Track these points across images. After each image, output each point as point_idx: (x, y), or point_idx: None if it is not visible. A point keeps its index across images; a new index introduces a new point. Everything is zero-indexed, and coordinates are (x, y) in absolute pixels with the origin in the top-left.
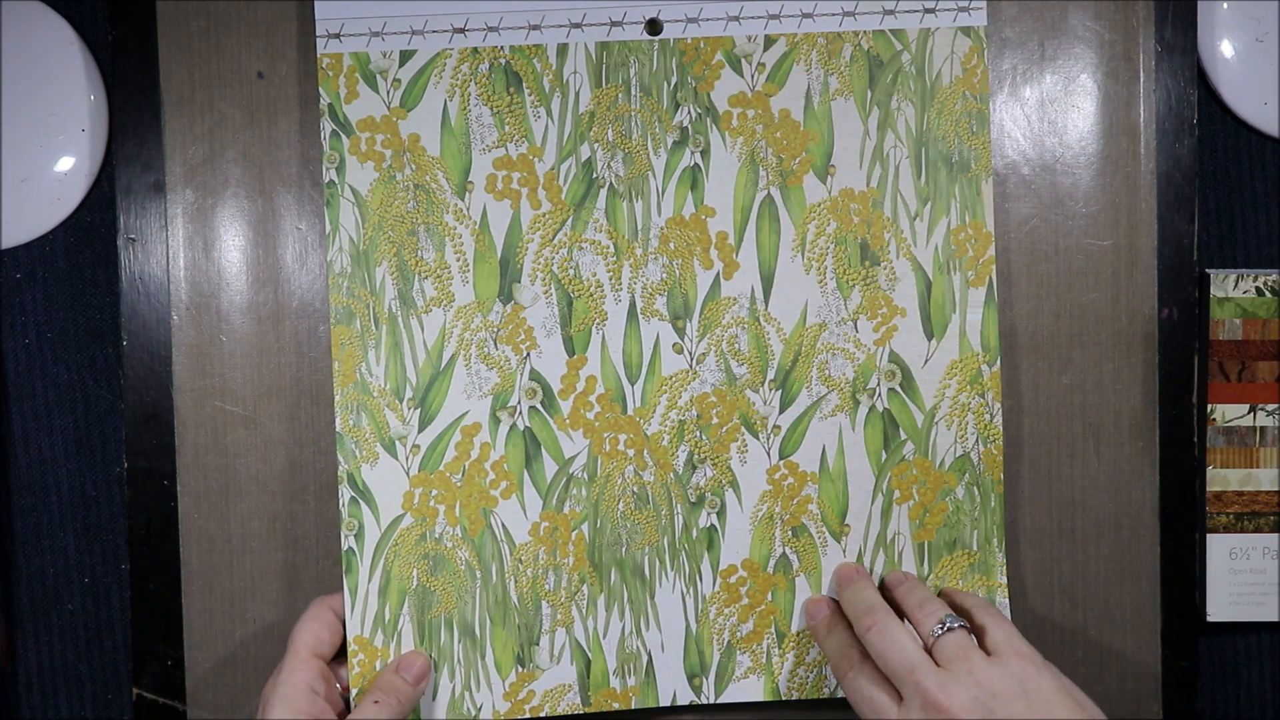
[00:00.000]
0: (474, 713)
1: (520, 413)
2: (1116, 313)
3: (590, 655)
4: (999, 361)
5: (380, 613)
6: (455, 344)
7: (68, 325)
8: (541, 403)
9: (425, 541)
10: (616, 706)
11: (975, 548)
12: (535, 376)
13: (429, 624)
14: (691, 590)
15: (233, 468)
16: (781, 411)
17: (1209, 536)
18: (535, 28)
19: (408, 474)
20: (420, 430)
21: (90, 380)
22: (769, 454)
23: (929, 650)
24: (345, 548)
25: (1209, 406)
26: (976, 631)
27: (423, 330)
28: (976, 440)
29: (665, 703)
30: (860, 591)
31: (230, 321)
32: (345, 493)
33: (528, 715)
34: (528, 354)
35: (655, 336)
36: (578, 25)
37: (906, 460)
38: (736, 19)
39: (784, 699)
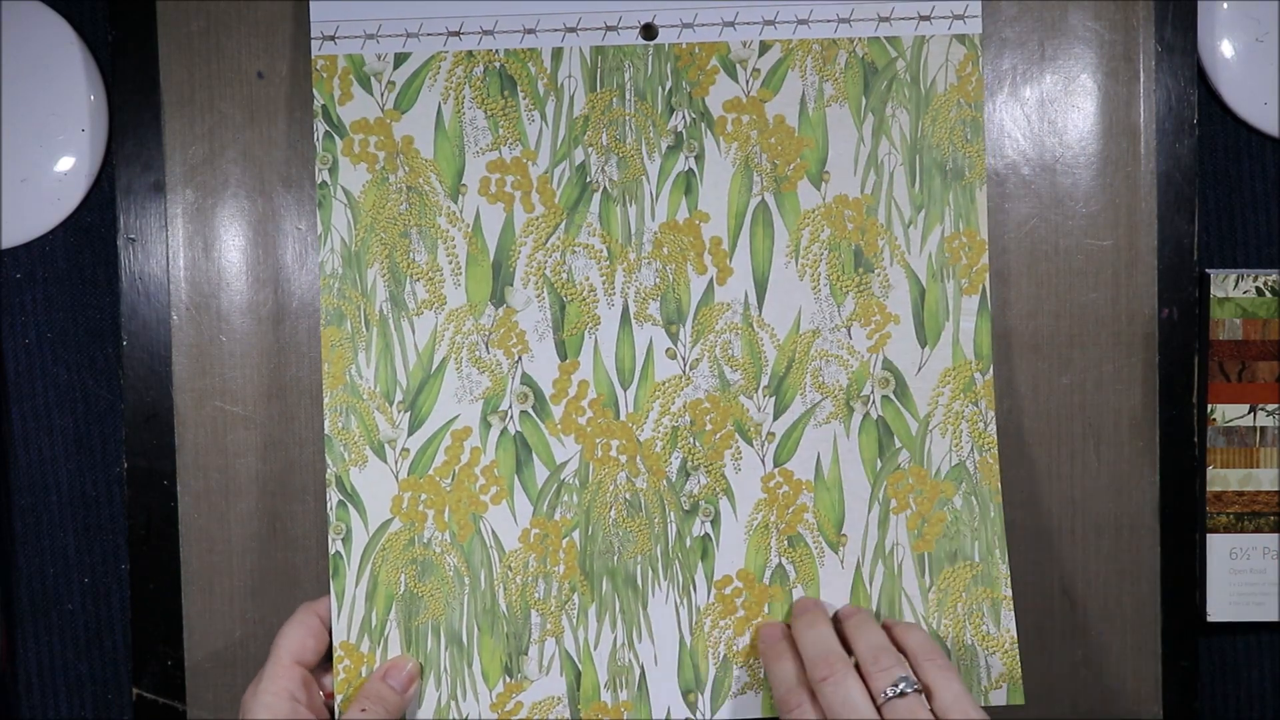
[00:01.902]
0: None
1: (511, 417)
2: (1116, 313)
3: (580, 667)
4: (991, 370)
5: (367, 618)
6: (446, 347)
7: (68, 325)
8: (533, 407)
9: (414, 546)
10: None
11: (977, 559)
12: (527, 380)
13: (416, 630)
14: (685, 601)
15: (233, 468)
16: (775, 418)
17: (1209, 536)
18: (530, 31)
19: (396, 478)
20: (410, 434)
21: (90, 380)
22: (763, 461)
23: (879, 708)
24: (333, 551)
25: (1209, 406)
26: (924, 688)
27: (414, 333)
28: (972, 449)
29: (659, 718)
30: (818, 631)
31: (230, 321)
32: (333, 496)
33: None
34: (519, 358)
35: (648, 341)
36: (572, 29)
37: (902, 469)
38: (731, 24)
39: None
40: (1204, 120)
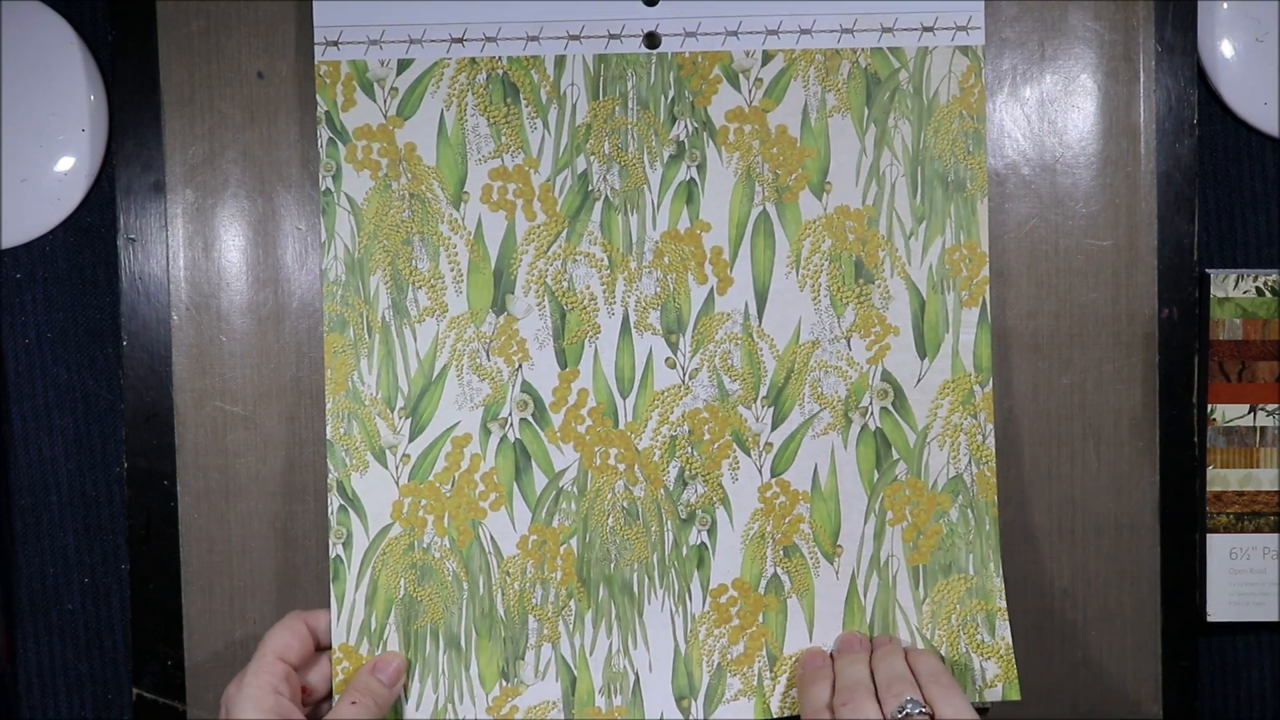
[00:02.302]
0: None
1: (511, 424)
2: (1116, 313)
3: (576, 672)
4: (991, 382)
5: (366, 621)
6: (447, 354)
7: (68, 325)
8: (532, 415)
9: (413, 551)
10: None
11: (971, 571)
12: (527, 388)
13: (414, 633)
14: (681, 609)
15: (233, 468)
16: (774, 429)
17: (1209, 536)
18: (534, 39)
19: (397, 483)
20: (411, 440)
21: (90, 380)
22: (760, 471)
23: None
24: (333, 555)
25: (1209, 406)
26: (929, 708)
27: (415, 340)
28: (969, 462)
29: None
30: (853, 665)
31: (230, 321)
32: (334, 500)
33: None
34: (519, 365)
35: (648, 350)
36: (576, 37)
37: (899, 481)
38: (735, 34)
39: (775, 718)
40: (1204, 120)
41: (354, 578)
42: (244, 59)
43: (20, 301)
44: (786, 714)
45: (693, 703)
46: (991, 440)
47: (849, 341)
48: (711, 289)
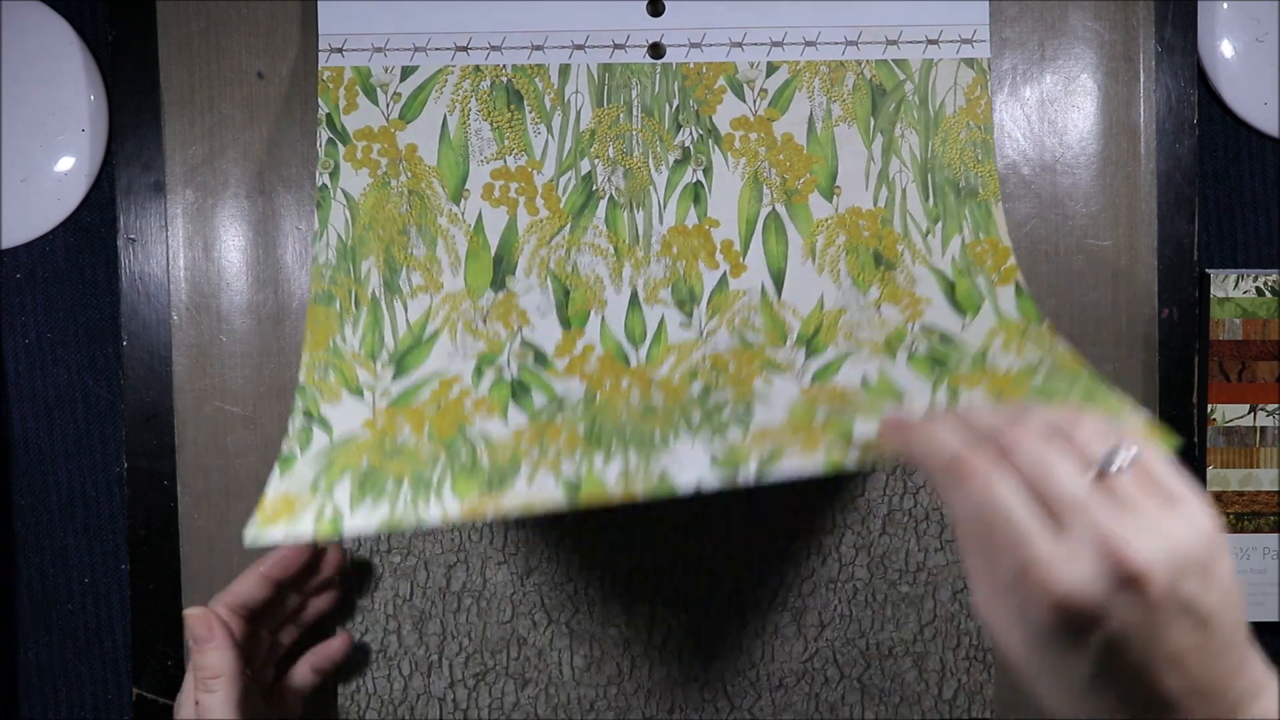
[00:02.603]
0: (417, 517)
1: (509, 368)
2: (1116, 313)
3: (581, 482)
4: (1046, 321)
5: (315, 480)
6: (440, 321)
7: (68, 325)
8: (533, 361)
9: (384, 443)
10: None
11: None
12: (527, 344)
13: (371, 483)
14: (717, 441)
15: (233, 468)
16: (808, 359)
17: None
18: (538, 48)
19: (374, 409)
20: (393, 380)
21: (90, 380)
22: (799, 379)
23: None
24: (284, 454)
25: (1209, 406)
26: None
27: (406, 311)
28: (1042, 359)
29: (687, 491)
30: (980, 414)
31: (230, 321)
32: (296, 421)
33: (490, 516)
34: (519, 329)
35: (660, 316)
36: (580, 47)
37: (965, 372)
38: (739, 45)
39: (856, 472)
40: (1204, 120)
41: (307, 463)
42: (244, 59)
43: (20, 301)
44: (870, 470)
45: (741, 467)
46: (1063, 346)
47: (879, 309)
48: (724, 273)
